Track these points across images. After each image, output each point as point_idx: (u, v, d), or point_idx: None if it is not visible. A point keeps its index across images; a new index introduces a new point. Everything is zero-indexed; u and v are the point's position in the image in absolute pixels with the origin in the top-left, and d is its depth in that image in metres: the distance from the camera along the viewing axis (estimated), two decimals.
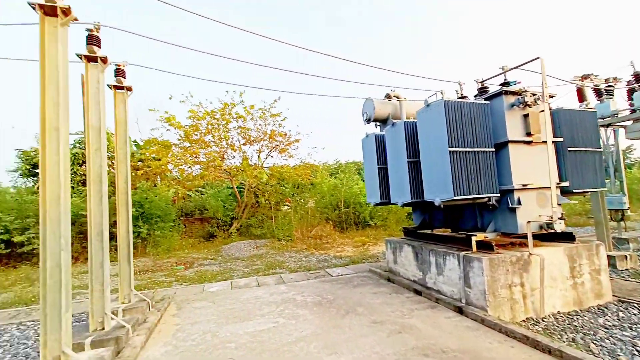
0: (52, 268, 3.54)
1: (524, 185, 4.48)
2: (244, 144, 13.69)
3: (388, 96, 6.98)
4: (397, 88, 7.24)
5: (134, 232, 10.65)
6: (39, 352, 4.40)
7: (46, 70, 3.56)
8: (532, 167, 4.60)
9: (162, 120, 11.98)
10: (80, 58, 4.59)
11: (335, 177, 16.57)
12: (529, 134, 4.62)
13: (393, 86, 7.21)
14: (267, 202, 14.14)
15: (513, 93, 4.71)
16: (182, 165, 12.72)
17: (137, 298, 5.68)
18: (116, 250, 5.45)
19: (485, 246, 4.64)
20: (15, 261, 10.27)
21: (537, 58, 4.15)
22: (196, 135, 12.36)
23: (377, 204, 6.59)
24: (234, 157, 13.93)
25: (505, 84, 4.85)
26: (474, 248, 4.61)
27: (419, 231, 6.49)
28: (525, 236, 4.45)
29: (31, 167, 12.64)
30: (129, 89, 5.71)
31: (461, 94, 5.78)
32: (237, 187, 14.20)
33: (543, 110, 4.48)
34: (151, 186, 13.25)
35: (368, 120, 6.98)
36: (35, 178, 12.67)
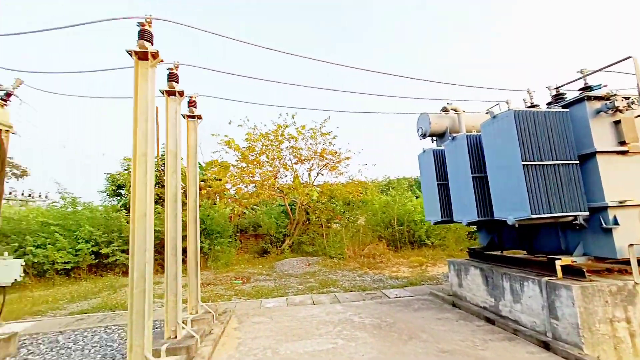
0: (138, 279, 3.92)
1: (620, 202, 3.87)
2: (295, 163, 14.19)
3: (445, 109, 6.72)
4: (453, 101, 6.95)
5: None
6: (122, 354, 4.87)
7: (138, 105, 4.11)
8: (631, 181, 3.97)
9: (222, 143, 13.08)
10: (163, 93, 5.25)
11: (387, 194, 16.16)
12: (622, 143, 4.03)
13: (447, 99, 6.94)
14: (317, 219, 14.28)
15: (598, 98, 4.19)
16: (239, 184, 13.57)
17: (203, 310, 6.02)
18: (182, 263, 5.89)
19: (573, 272, 4.05)
20: (102, 270, 11.69)
21: (629, 57, 3.67)
22: (252, 155, 13.17)
23: (437, 223, 6.22)
24: (286, 175, 14.49)
25: (587, 88, 4.35)
26: (559, 274, 4.05)
27: (486, 252, 5.95)
28: (626, 262, 3.80)
29: (116, 188, 14.57)
30: (199, 117, 6.31)
31: (531, 103, 5.32)
32: (289, 205, 14.63)
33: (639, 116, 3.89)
34: (211, 204, 14.30)
35: (423, 136, 6.76)
36: (118, 197, 14.55)
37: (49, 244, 10.73)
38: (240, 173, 13.31)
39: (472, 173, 5.02)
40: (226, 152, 13.51)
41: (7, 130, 5.65)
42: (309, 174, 14.58)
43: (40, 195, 17.87)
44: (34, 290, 9.62)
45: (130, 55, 4.13)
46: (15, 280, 5.31)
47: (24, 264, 5.63)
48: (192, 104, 6.16)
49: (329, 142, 13.73)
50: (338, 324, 5.44)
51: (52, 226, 11.13)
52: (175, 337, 4.81)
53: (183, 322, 5.08)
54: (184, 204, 6.85)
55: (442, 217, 5.94)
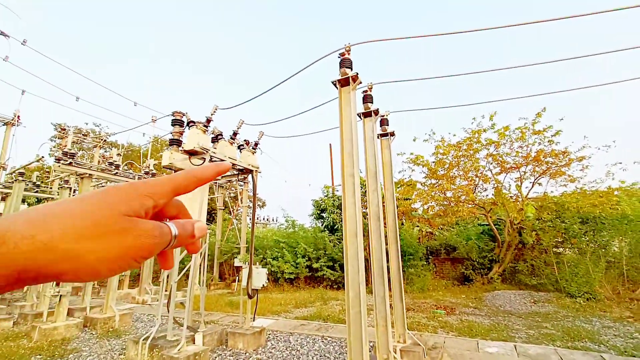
0: (353, 298, 3.89)
1: None
2: (498, 173, 11.65)
3: None
4: None
5: (388, 268, 11.38)
6: None
7: (344, 129, 4.32)
8: None
9: (408, 161, 12.69)
10: (360, 116, 5.47)
11: None
12: None
13: None
14: (537, 242, 10.91)
15: None
16: (430, 202, 12.57)
17: (410, 340, 5.49)
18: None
19: None
20: (313, 282, 13.67)
21: None
22: (442, 170, 11.96)
23: None
24: (486, 189, 12.12)
25: None
26: None
27: None
28: None
29: (320, 212, 17.17)
30: (392, 134, 6.19)
31: None
32: (493, 224, 12.09)
33: None
34: (400, 224, 14.04)
35: None
36: (322, 219, 17.03)
37: (280, 257, 13.67)
38: (430, 190, 12.34)
39: None
40: (412, 170, 12.99)
41: (256, 171, 7.56)
42: (518, 185, 11.55)
43: (273, 220, 23.88)
44: (272, 293, 12.34)
45: (335, 85, 4.47)
46: (263, 285, 6.77)
47: (267, 272, 7.14)
48: (384, 122, 6.16)
49: (549, 141, 10.39)
50: None
51: (282, 243, 14.18)
52: None
53: (393, 350, 4.73)
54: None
55: None
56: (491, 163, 11.59)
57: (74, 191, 10.43)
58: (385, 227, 5.81)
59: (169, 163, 6.02)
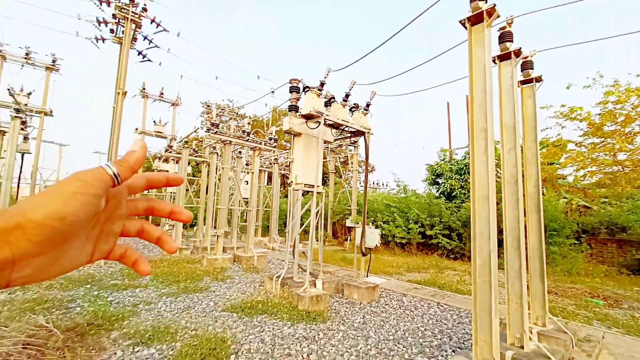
0: (481, 267, 3.51)
1: None
2: None
3: None
4: None
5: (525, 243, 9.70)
6: (458, 337, 4.76)
7: (474, 75, 3.67)
8: None
9: (558, 116, 9.96)
10: (494, 61, 4.53)
11: None
12: None
13: None
14: None
15: None
16: (589, 167, 9.75)
17: (552, 325, 4.69)
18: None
19: None
20: (427, 249, 13.18)
21: None
22: (611, 125, 8.90)
23: None
24: None
25: None
26: None
27: None
28: None
29: (435, 177, 15.98)
30: (537, 79, 4.95)
31: None
32: None
33: None
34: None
35: None
36: (437, 185, 15.85)
37: (391, 221, 13.64)
38: (590, 152, 9.52)
39: None
40: (562, 127, 10.22)
41: (368, 133, 7.47)
42: None
43: (383, 184, 23.77)
44: (383, 255, 12.56)
45: (463, 25, 3.78)
46: (376, 245, 6.90)
47: (380, 233, 7.21)
48: (526, 65, 4.96)
49: None
50: None
51: (392, 207, 14.05)
52: (522, 347, 3.98)
53: (529, 332, 4.13)
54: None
55: None
56: None
57: (219, 155, 12.81)
58: (523, 194, 4.87)
59: (289, 127, 6.56)
